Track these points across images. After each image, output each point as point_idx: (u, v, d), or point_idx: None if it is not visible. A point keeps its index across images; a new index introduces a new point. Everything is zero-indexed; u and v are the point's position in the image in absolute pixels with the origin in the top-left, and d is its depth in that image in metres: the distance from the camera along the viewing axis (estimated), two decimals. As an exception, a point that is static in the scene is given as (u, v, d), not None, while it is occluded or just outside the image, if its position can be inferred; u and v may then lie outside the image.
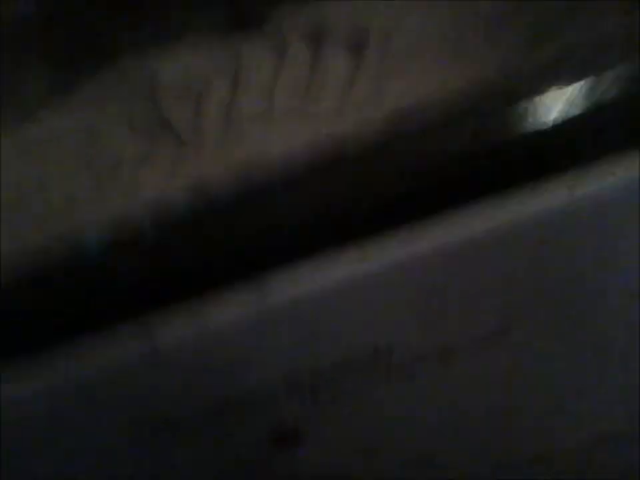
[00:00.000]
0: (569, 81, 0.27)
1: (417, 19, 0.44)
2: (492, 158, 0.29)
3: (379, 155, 0.33)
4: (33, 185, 0.45)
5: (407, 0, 0.45)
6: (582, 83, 0.27)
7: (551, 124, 0.28)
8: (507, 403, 0.40)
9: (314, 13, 0.47)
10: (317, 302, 0.33)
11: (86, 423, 0.35)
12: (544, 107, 0.29)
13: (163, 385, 0.34)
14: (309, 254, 0.32)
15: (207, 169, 0.41)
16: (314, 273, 0.33)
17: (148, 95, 0.47)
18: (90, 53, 0.49)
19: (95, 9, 0.48)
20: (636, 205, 0.31)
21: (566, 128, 0.27)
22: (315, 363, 0.35)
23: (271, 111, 0.43)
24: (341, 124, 0.39)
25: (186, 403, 0.35)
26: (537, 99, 0.28)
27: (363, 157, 0.33)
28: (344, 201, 0.34)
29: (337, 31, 0.46)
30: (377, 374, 0.37)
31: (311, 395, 0.37)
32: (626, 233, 0.33)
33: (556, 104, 0.28)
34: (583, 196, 0.30)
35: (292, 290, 0.33)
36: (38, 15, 0.49)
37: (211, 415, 0.37)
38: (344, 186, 0.34)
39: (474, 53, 0.39)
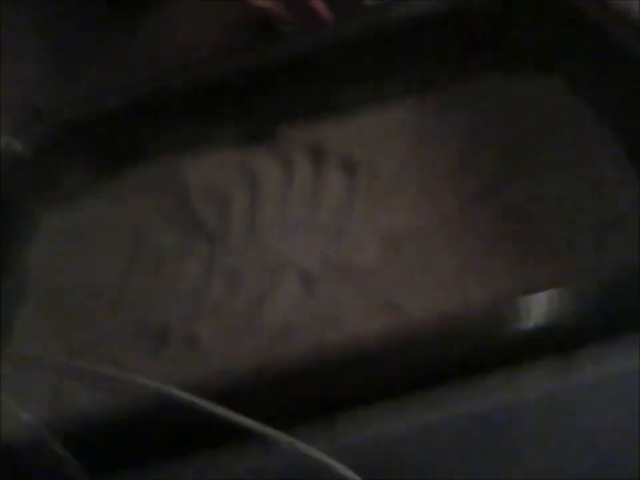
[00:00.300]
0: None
1: (400, 151, 0.57)
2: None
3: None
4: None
5: (390, 138, 0.58)
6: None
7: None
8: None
9: (313, 134, 0.60)
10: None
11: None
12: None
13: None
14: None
15: (238, 265, 0.52)
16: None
17: (179, 194, 0.58)
18: (130, 152, 0.58)
19: (135, 117, 0.58)
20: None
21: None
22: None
23: (285, 219, 0.55)
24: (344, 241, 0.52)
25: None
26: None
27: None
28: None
29: (333, 152, 0.59)
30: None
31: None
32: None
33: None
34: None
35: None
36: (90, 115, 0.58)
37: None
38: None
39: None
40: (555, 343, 0.32)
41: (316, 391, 0.34)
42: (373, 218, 0.53)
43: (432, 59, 0.59)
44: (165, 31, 0.67)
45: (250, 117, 0.60)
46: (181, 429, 0.33)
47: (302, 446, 0.28)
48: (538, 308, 0.33)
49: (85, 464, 0.30)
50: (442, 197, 0.52)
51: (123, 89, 0.59)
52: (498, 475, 0.34)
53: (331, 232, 0.53)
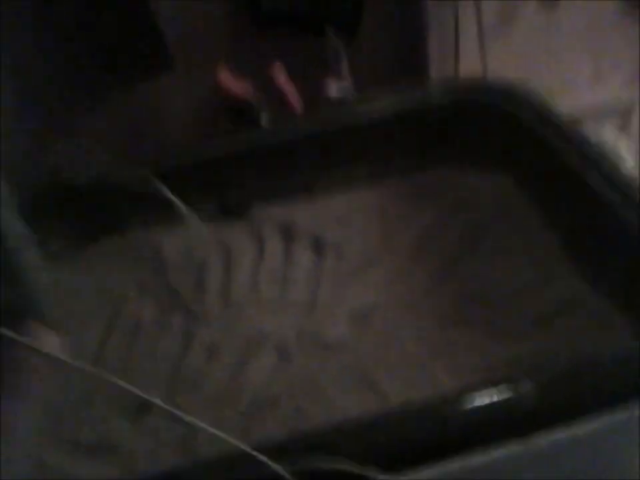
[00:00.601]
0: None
1: (365, 233, 0.62)
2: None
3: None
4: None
5: (357, 220, 0.63)
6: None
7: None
8: None
9: (285, 213, 0.64)
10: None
11: None
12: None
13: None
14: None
15: (215, 338, 0.55)
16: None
17: (156, 265, 0.60)
18: (108, 222, 0.60)
19: (114, 190, 0.60)
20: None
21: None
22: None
23: (258, 294, 0.59)
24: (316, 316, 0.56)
25: None
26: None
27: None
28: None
29: (303, 231, 0.63)
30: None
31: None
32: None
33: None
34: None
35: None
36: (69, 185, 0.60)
37: None
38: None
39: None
40: (512, 426, 0.37)
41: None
42: (341, 295, 0.57)
43: (395, 150, 0.64)
44: (149, 108, 0.71)
45: (226, 194, 0.64)
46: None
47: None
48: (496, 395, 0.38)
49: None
50: (405, 278, 0.57)
51: (103, 163, 0.61)
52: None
53: (303, 307, 0.57)
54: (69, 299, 0.57)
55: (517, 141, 0.60)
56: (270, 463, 0.32)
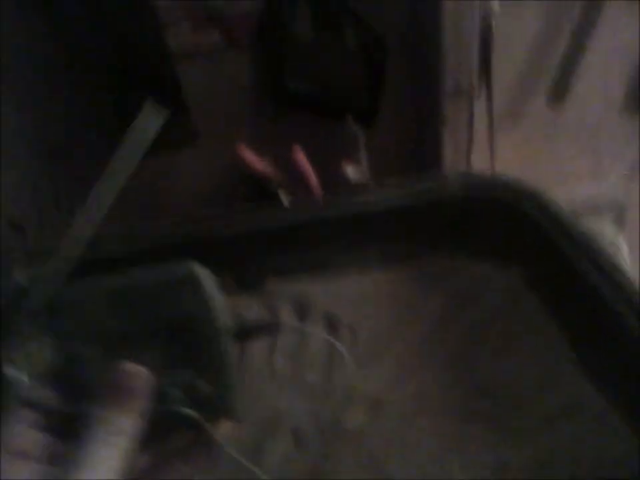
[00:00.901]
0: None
1: (378, 315, 0.65)
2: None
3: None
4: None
5: (369, 302, 0.66)
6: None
7: None
8: None
9: (299, 289, 0.66)
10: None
11: None
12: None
13: None
14: None
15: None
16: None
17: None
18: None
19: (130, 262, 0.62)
20: None
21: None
22: None
23: (272, 372, 0.61)
24: (331, 400, 0.58)
25: None
26: None
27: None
28: None
29: (316, 308, 0.66)
30: None
31: None
32: None
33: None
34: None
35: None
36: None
37: None
38: None
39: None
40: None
41: None
42: (355, 380, 0.60)
43: (407, 236, 0.68)
44: (167, 180, 0.73)
45: (241, 267, 0.66)
46: None
47: None
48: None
49: None
50: (417, 368, 0.59)
51: (119, 233, 0.63)
52: None
53: (318, 390, 0.59)
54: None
55: (527, 237, 0.63)
56: None
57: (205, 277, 0.32)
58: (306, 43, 0.68)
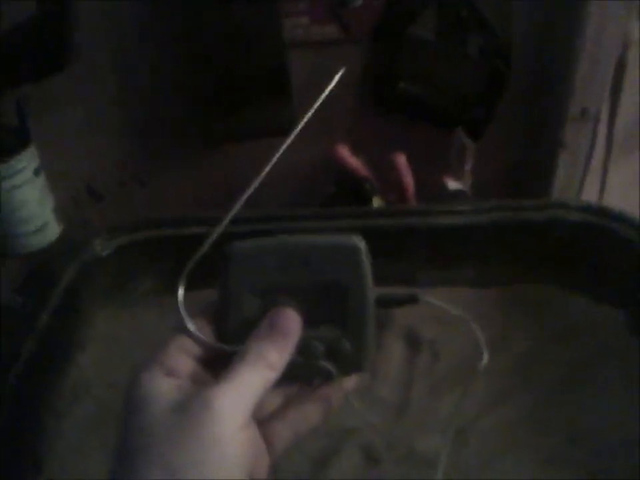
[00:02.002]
0: None
1: (462, 337, 0.60)
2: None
3: None
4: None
5: (454, 323, 0.61)
6: None
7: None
8: None
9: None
10: None
11: None
12: None
13: None
14: None
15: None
16: None
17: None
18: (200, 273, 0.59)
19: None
20: None
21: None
22: None
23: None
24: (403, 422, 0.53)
25: None
26: None
27: None
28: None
29: (397, 322, 0.62)
30: None
31: None
32: None
33: None
34: None
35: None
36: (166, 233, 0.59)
37: None
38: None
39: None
40: None
41: None
42: (436, 401, 0.55)
43: (503, 257, 0.63)
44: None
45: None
46: None
47: None
48: None
49: None
50: (505, 400, 0.55)
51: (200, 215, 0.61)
52: None
53: (393, 407, 0.55)
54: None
55: (634, 274, 0.58)
56: None
57: (365, 249, 0.34)
58: (425, 44, 0.65)
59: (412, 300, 0.39)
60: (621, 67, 0.66)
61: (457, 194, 0.66)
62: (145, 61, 0.68)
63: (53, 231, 0.71)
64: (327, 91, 0.35)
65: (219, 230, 0.35)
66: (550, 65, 0.66)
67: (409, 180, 0.65)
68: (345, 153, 0.67)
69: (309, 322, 0.34)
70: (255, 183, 0.36)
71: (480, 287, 0.64)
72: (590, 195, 0.70)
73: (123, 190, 0.77)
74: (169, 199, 0.76)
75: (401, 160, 0.65)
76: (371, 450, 0.51)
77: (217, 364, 0.32)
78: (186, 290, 0.35)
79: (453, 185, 0.66)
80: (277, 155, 0.37)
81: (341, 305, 0.34)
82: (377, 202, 0.66)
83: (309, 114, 0.35)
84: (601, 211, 0.60)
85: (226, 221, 0.35)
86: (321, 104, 0.71)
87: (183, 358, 0.32)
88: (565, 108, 0.64)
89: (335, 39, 0.67)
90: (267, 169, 0.36)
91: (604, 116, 0.67)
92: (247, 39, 0.66)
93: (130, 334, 0.59)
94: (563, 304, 0.62)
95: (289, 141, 0.37)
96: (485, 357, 0.38)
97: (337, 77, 0.35)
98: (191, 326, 0.33)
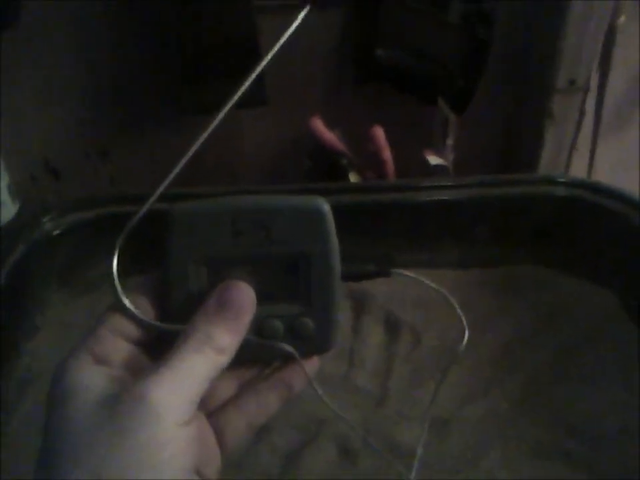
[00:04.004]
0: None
1: (443, 321, 0.56)
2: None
3: None
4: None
5: (435, 305, 0.57)
6: None
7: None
8: None
9: (360, 284, 0.58)
10: None
11: None
12: None
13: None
14: None
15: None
16: None
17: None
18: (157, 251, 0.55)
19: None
20: None
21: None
22: None
23: (320, 372, 0.53)
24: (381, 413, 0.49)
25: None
26: None
27: None
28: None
29: (376, 305, 0.58)
30: None
31: None
32: None
33: None
34: None
35: None
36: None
37: None
38: None
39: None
40: None
41: None
42: (416, 391, 0.51)
43: (488, 236, 0.59)
44: (230, 139, 0.66)
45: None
46: None
47: None
48: None
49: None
50: (490, 389, 0.51)
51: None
52: None
53: (372, 396, 0.51)
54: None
55: (627, 252, 0.55)
56: None
57: (330, 214, 0.30)
58: (404, 9, 0.61)
59: (383, 273, 0.34)
60: (610, 37, 0.63)
61: (438, 169, 0.62)
62: (105, 28, 0.63)
63: (8, 210, 0.66)
64: (289, 31, 0.30)
65: (148, 204, 0.30)
66: (537, 34, 0.62)
67: (387, 155, 0.61)
68: (319, 126, 0.63)
69: (267, 297, 0.30)
70: (189, 154, 0.31)
71: (464, 268, 0.60)
72: (578, 172, 0.66)
73: (85, 165, 0.71)
74: (135, 173, 0.71)
75: (379, 134, 0.61)
76: (346, 442, 0.47)
77: (160, 348, 0.28)
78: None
79: (434, 160, 0.61)
80: (215, 124, 0.31)
81: (303, 278, 0.30)
82: (353, 178, 0.62)
83: (266, 60, 0.30)
84: (591, 186, 0.56)
85: (156, 195, 0.30)
86: (295, 74, 0.67)
87: (117, 342, 0.27)
88: (552, 78, 0.60)
89: (307, 2, 0.62)
90: (203, 138, 0.31)
91: (593, 88, 0.63)
92: (214, 5, 0.61)
93: (87, 320, 0.55)
94: (552, 285, 0.58)
95: (230, 104, 0.32)
96: (466, 336, 0.33)
97: (301, 15, 0.30)
98: (126, 302, 0.28)
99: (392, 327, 0.57)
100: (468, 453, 0.47)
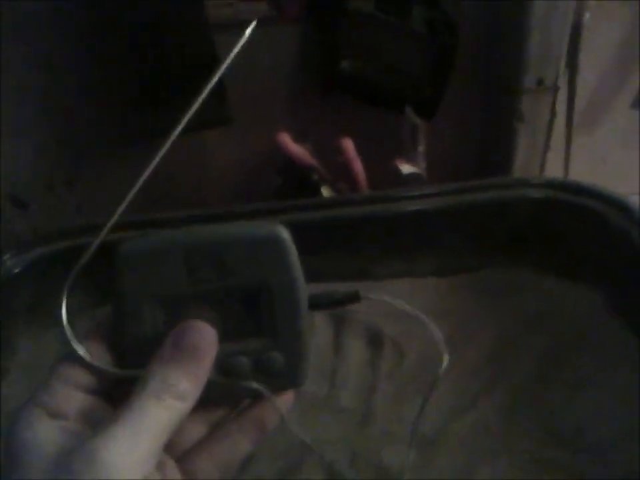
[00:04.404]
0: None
1: (426, 333, 0.55)
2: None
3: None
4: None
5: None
6: None
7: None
8: None
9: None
10: None
11: None
12: None
13: None
14: None
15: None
16: None
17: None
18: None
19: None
20: None
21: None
22: None
23: (302, 393, 0.51)
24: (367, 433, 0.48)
25: None
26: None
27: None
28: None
29: (357, 320, 0.56)
30: None
31: None
32: None
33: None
34: None
35: None
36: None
37: None
38: None
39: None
40: None
41: None
42: (401, 407, 0.50)
43: (466, 242, 0.58)
44: (196, 160, 0.64)
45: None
46: None
47: None
48: None
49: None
50: (477, 400, 0.49)
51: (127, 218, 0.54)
52: None
53: (356, 416, 0.49)
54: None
55: (612, 253, 0.53)
56: None
57: (290, 240, 0.28)
58: (366, 18, 0.60)
59: (353, 298, 0.32)
60: (576, 33, 0.62)
61: (411, 178, 0.60)
62: (64, 59, 0.62)
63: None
64: (238, 46, 0.29)
65: (102, 236, 0.29)
66: (502, 35, 0.61)
67: (358, 166, 0.60)
68: (287, 141, 0.62)
69: (229, 333, 0.28)
70: (139, 183, 0.30)
71: (442, 276, 0.58)
72: (554, 172, 0.66)
73: (51, 195, 0.70)
74: (101, 202, 0.69)
75: (348, 145, 0.60)
76: (333, 466, 0.46)
77: (119, 393, 0.26)
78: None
79: (406, 168, 0.60)
80: (165, 148, 0.30)
81: (267, 310, 0.29)
82: (326, 192, 0.61)
83: (216, 77, 0.28)
84: (567, 186, 0.55)
85: (110, 225, 0.29)
86: (259, 90, 0.65)
87: (71, 393, 0.25)
88: (520, 79, 0.59)
89: (265, 17, 0.61)
90: (153, 164, 0.30)
91: (562, 86, 0.62)
92: (168, 24, 0.60)
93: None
94: (533, 288, 0.57)
95: (180, 126, 0.30)
96: (445, 360, 0.32)
97: (248, 30, 0.29)
98: (79, 349, 0.26)
99: (374, 341, 0.55)
100: (458, 472, 0.45)
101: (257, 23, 0.62)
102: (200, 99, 0.29)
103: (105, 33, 0.61)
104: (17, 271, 0.50)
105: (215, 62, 0.62)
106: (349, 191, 0.62)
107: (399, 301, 0.33)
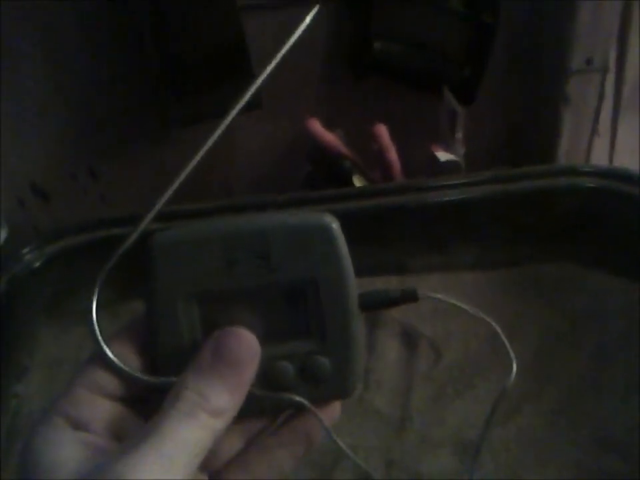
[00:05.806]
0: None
1: (463, 331, 0.52)
2: None
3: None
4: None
5: (454, 314, 0.53)
6: None
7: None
8: None
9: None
10: None
11: None
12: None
13: None
14: None
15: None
16: None
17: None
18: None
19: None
20: None
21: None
22: None
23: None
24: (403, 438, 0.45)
25: None
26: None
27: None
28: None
29: (392, 318, 0.54)
30: None
31: None
32: None
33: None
34: None
35: None
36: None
37: None
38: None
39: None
40: None
41: None
42: (441, 411, 0.47)
43: (507, 235, 0.55)
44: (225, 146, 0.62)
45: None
46: None
47: None
48: None
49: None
50: (523, 403, 0.46)
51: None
52: None
53: (390, 421, 0.47)
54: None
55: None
56: None
57: (340, 231, 0.25)
58: (400, -3, 0.56)
59: (410, 297, 0.29)
60: (627, 13, 0.58)
61: (449, 166, 0.57)
62: (85, 47, 0.59)
63: (-4, 237, 0.63)
64: (296, 35, 0.27)
65: (142, 226, 0.26)
66: (548, 13, 0.57)
67: (392, 154, 0.56)
68: (317, 127, 0.59)
69: (271, 335, 0.25)
70: (187, 170, 0.27)
71: (482, 270, 0.55)
72: (599, 157, 0.61)
73: (74, 185, 0.68)
74: (125, 193, 0.67)
75: (382, 132, 0.56)
76: (367, 475, 0.43)
77: (150, 402, 0.24)
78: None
79: (443, 156, 0.57)
80: (217, 134, 0.28)
81: (314, 309, 0.26)
82: (358, 181, 0.57)
83: (274, 63, 0.26)
84: (618, 175, 0.51)
85: (152, 215, 0.26)
86: (289, 74, 0.62)
87: (97, 401, 0.23)
88: (567, 59, 0.55)
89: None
90: (203, 152, 0.27)
91: (612, 67, 0.58)
92: (193, 7, 0.57)
93: (79, 355, 0.51)
94: (580, 284, 0.53)
95: (234, 112, 0.28)
96: (514, 368, 0.29)
97: (309, 16, 0.26)
98: (108, 352, 0.24)
99: (409, 340, 0.52)
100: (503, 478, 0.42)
101: (285, 4, 0.59)
102: (258, 81, 0.27)
103: (127, 17, 0.58)
104: (36, 265, 0.48)
105: (242, 47, 0.59)
106: (383, 181, 0.58)
107: (456, 297, 0.29)
